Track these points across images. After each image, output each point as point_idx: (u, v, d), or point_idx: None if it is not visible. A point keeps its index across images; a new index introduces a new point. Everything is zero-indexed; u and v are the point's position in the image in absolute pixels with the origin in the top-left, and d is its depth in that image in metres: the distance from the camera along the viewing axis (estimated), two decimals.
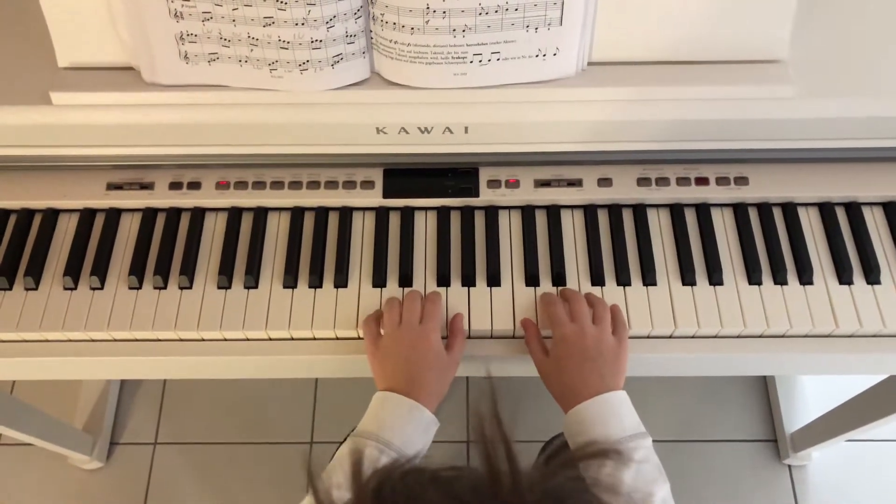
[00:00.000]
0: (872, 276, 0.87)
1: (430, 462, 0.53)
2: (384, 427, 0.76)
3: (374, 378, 0.82)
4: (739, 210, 0.91)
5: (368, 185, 0.92)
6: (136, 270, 0.89)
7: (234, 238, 0.91)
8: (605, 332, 0.80)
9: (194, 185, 0.92)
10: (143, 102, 0.83)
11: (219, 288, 0.88)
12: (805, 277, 0.87)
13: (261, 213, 0.92)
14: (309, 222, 0.92)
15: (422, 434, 0.77)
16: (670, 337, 0.86)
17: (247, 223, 0.92)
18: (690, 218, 0.91)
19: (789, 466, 1.56)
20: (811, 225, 0.91)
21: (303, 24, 0.76)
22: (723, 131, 0.86)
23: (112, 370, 0.92)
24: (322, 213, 0.92)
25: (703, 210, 0.91)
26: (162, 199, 0.92)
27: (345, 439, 0.79)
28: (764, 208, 0.91)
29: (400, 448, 0.74)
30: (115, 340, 0.87)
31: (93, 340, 0.87)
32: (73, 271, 0.89)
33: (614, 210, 0.91)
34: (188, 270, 0.88)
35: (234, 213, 0.92)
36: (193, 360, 0.87)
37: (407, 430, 0.76)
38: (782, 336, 0.86)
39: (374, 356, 0.82)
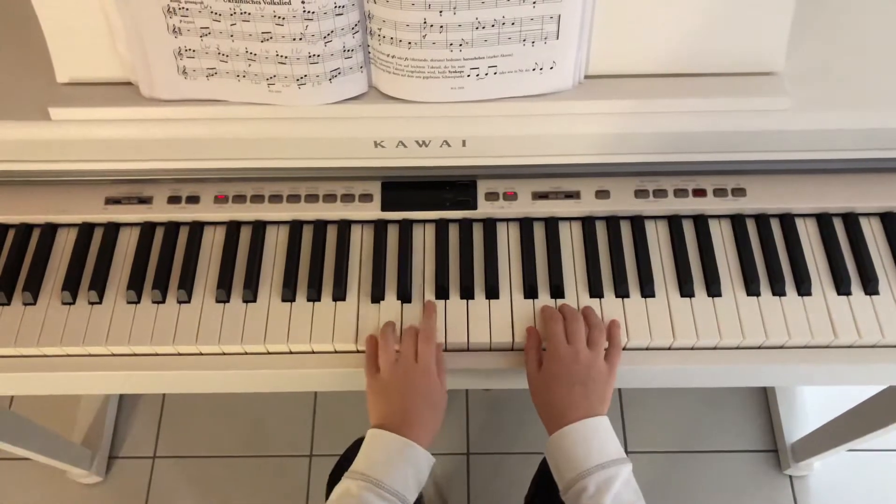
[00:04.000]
0: (870, 286, 0.87)
1: None
2: (377, 467, 0.75)
3: (370, 412, 0.82)
4: (737, 221, 0.91)
5: (367, 198, 0.92)
6: (135, 285, 0.89)
7: (232, 252, 0.91)
8: (598, 357, 0.81)
9: (193, 199, 0.92)
10: (141, 117, 0.83)
11: (217, 302, 0.88)
12: (803, 288, 0.87)
13: (259, 227, 0.92)
14: (307, 236, 0.92)
15: (416, 471, 0.77)
16: (669, 349, 0.86)
17: (245, 237, 0.92)
18: (688, 229, 0.91)
19: (790, 477, 1.56)
20: (809, 236, 0.91)
21: (300, 39, 0.76)
22: (720, 143, 0.86)
23: (111, 385, 0.91)
24: (320, 226, 0.92)
25: (700, 222, 0.91)
26: (160, 213, 0.92)
27: (338, 465, 0.78)
28: (762, 220, 0.91)
29: (393, 488, 0.74)
30: (114, 355, 0.87)
31: (91, 355, 0.87)
32: (71, 286, 0.89)
33: (612, 222, 0.91)
34: (187, 284, 0.89)
35: (233, 227, 0.92)
36: (192, 374, 0.87)
37: (400, 469, 0.75)
38: (781, 347, 0.86)
39: (371, 390, 0.82)
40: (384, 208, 0.92)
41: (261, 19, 0.75)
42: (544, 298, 0.88)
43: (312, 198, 0.92)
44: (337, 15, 0.75)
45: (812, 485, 1.55)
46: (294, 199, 0.92)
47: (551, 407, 0.79)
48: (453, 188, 0.92)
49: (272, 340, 0.86)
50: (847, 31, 0.89)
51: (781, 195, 0.91)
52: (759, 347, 0.86)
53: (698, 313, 0.86)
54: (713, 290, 0.87)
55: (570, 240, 0.91)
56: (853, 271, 0.88)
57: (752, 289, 0.87)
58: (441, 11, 0.74)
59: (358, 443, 0.81)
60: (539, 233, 0.92)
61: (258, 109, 0.83)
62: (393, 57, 0.78)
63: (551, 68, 0.80)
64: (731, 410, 1.63)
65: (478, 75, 0.80)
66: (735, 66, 0.83)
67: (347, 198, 0.92)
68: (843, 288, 0.87)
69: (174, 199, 0.92)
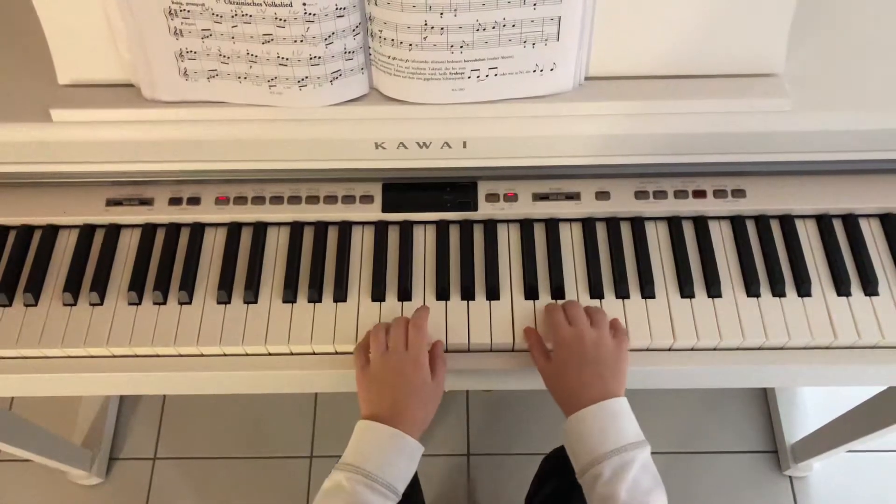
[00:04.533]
0: (870, 287, 0.87)
1: None
2: (367, 459, 0.75)
3: (360, 404, 0.81)
4: (737, 223, 0.91)
5: (367, 199, 0.92)
6: (136, 286, 0.89)
7: (233, 253, 0.91)
8: (604, 335, 0.80)
9: (194, 201, 0.93)
10: (142, 119, 0.83)
11: (218, 303, 0.89)
12: (803, 289, 0.87)
13: (260, 228, 0.92)
14: (308, 237, 0.92)
15: (406, 462, 0.76)
16: (669, 349, 0.86)
17: (246, 238, 0.92)
18: (688, 231, 0.92)
19: (790, 477, 1.56)
20: (809, 237, 0.91)
21: (302, 40, 0.76)
22: (720, 144, 0.86)
23: (111, 386, 0.91)
24: (321, 227, 0.92)
25: (700, 223, 0.91)
26: (161, 214, 0.92)
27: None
28: (762, 221, 0.91)
29: (383, 479, 0.74)
30: (115, 356, 0.87)
31: (92, 356, 0.87)
32: (72, 287, 0.89)
33: (612, 223, 0.92)
34: (188, 286, 0.89)
35: (234, 228, 0.92)
36: (193, 375, 0.87)
37: (390, 459, 0.75)
38: (781, 348, 0.86)
39: (360, 383, 0.82)
40: (385, 209, 0.92)
41: (262, 21, 0.75)
42: (545, 299, 0.88)
43: (313, 199, 0.92)
44: (338, 17, 0.76)
45: (812, 485, 1.55)
46: (295, 200, 0.92)
47: (566, 392, 0.78)
48: (454, 189, 0.92)
49: (273, 341, 0.86)
50: (847, 33, 0.89)
51: (781, 196, 0.91)
52: (759, 348, 0.86)
53: (698, 314, 0.87)
54: (713, 291, 0.87)
55: (571, 241, 0.92)
56: (853, 272, 0.88)
57: (752, 290, 0.87)
58: (442, 13, 0.74)
59: None
60: (539, 234, 0.92)
61: (259, 111, 0.83)
62: (394, 58, 0.78)
63: (552, 70, 0.80)
64: (731, 411, 1.63)
65: (478, 77, 0.80)
66: (735, 68, 0.83)
67: (348, 199, 0.92)
68: (842, 289, 0.87)
69: (175, 201, 0.93)
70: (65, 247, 0.93)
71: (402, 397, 0.79)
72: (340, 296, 0.88)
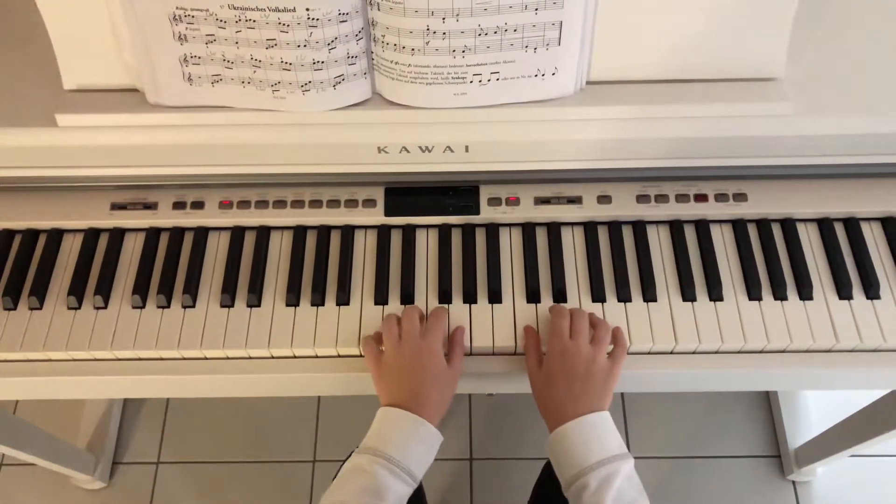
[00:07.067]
0: (872, 291, 0.87)
1: None
2: (387, 443, 0.76)
3: (378, 395, 0.82)
4: (738, 226, 0.92)
5: (370, 203, 0.93)
6: (140, 290, 0.89)
7: (236, 257, 0.91)
8: (600, 354, 0.81)
9: (197, 205, 0.93)
10: (147, 124, 0.84)
11: (222, 306, 0.89)
12: (805, 293, 0.87)
13: (263, 232, 0.93)
14: (311, 241, 0.93)
15: (426, 449, 0.77)
16: (671, 353, 0.87)
17: (249, 242, 0.93)
18: (690, 234, 0.92)
19: (794, 482, 1.56)
20: (810, 240, 0.91)
21: (305, 45, 0.77)
22: (721, 148, 0.87)
23: (115, 389, 0.92)
24: (324, 231, 0.93)
25: (702, 226, 0.92)
26: (165, 218, 0.93)
27: (349, 455, 0.79)
28: (763, 224, 0.92)
29: (403, 464, 0.75)
30: (119, 360, 0.88)
31: (96, 360, 0.88)
32: (77, 291, 0.89)
33: (614, 227, 0.92)
34: (191, 289, 0.89)
35: (237, 232, 0.93)
36: (196, 378, 0.88)
37: (410, 445, 0.76)
38: (783, 351, 0.86)
39: (376, 373, 0.82)
40: (387, 213, 0.92)
41: (266, 26, 0.76)
42: (547, 303, 0.88)
43: (316, 203, 0.93)
44: (341, 22, 0.76)
45: (815, 490, 1.55)
46: (298, 204, 0.93)
47: (551, 403, 0.79)
48: (456, 193, 0.93)
49: (276, 345, 0.86)
50: (847, 37, 0.90)
51: (783, 200, 0.91)
52: (760, 352, 0.86)
53: (700, 318, 0.87)
54: (715, 294, 0.87)
55: (573, 244, 0.92)
56: (854, 276, 0.89)
57: (753, 293, 0.87)
58: (444, 18, 0.75)
59: None
60: (541, 238, 0.92)
61: (263, 116, 0.83)
62: (396, 63, 0.79)
63: (553, 74, 0.81)
64: (734, 416, 1.63)
65: (480, 81, 0.80)
66: (736, 72, 0.84)
67: (351, 203, 0.93)
68: (844, 292, 0.87)
69: (179, 205, 0.93)
70: (69, 251, 0.93)
71: (421, 384, 0.80)
72: (343, 299, 0.88)
